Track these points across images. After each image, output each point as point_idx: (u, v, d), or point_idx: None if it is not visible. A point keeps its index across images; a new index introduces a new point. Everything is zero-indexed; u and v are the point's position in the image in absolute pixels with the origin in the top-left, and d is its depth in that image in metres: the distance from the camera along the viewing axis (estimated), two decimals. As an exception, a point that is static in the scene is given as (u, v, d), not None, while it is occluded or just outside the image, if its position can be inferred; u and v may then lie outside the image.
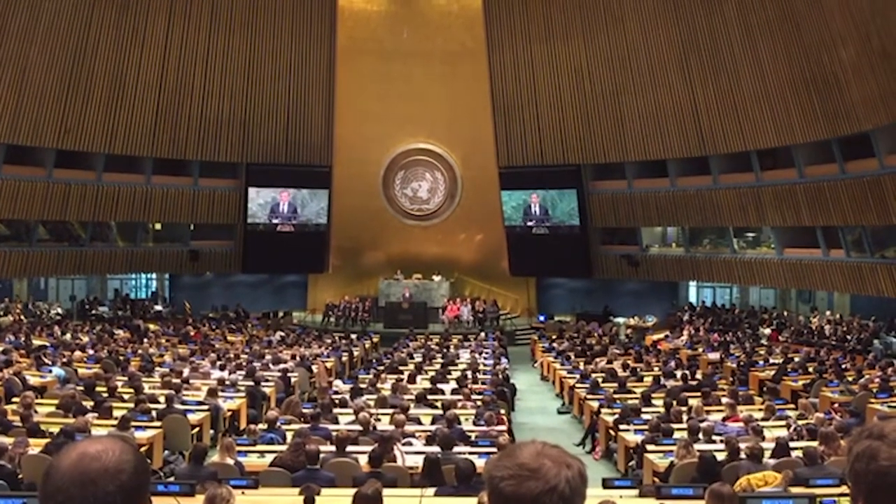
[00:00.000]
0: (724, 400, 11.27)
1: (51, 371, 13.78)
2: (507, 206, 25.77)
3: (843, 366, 15.40)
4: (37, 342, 17.91)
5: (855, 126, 17.76)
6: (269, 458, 7.95)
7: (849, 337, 19.87)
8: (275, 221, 25.72)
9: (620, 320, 24.42)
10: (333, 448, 7.96)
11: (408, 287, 25.69)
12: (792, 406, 11.85)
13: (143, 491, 1.37)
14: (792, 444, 8.18)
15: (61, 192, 22.34)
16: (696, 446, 8.13)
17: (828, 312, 22.31)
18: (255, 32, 24.00)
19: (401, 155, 26.71)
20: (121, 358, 15.87)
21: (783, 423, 9.87)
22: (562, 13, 23.62)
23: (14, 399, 10.80)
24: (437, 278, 26.30)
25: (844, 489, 6.49)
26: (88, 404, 10.40)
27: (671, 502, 6.37)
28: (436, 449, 7.93)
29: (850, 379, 13.72)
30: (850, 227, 19.24)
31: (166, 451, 9.72)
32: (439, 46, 25.35)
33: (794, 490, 6.38)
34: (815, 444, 7.95)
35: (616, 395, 12.35)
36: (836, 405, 11.55)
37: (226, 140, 24.61)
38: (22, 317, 22.78)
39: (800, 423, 9.66)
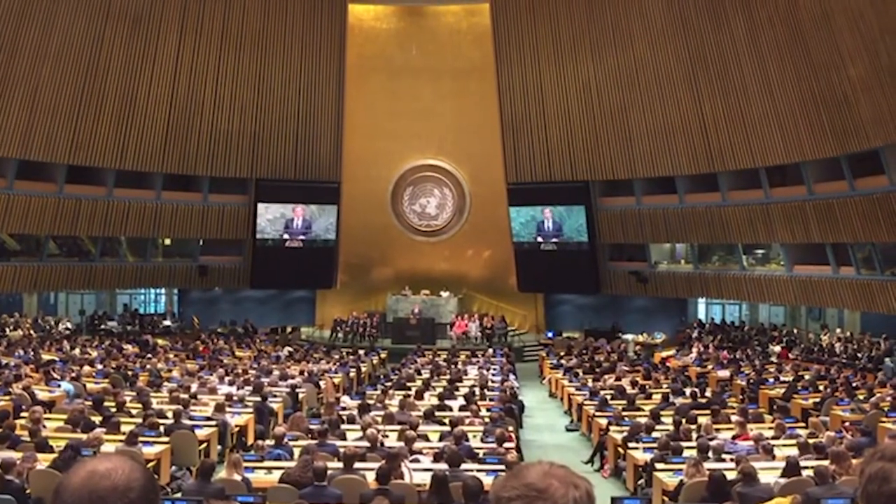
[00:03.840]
0: (733, 418, 11.19)
1: (59, 386, 13.81)
2: (515, 222, 25.78)
3: (854, 384, 15.27)
4: (46, 357, 17.98)
5: (864, 143, 17.71)
6: (277, 474, 7.94)
7: (859, 355, 19.72)
8: (287, 237, 25.78)
9: (629, 337, 24.32)
10: (341, 464, 7.93)
11: (417, 303, 25.69)
12: (802, 424, 11.76)
13: None
14: (803, 463, 8.11)
15: (72, 207, 22.49)
16: (706, 465, 8.07)
17: (838, 330, 22.16)
18: (265, 49, 24.18)
19: (409, 171, 26.79)
20: (129, 373, 15.90)
21: (794, 441, 9.79)
22: (570, 30, 23.72)
23: (23, 414, 10.82)
24: (445, 294, 26.29)
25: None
26: (97, 419, 10.43)
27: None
28: (443, 466, 7.90)
29: (861, 397, 13.62)
30: (860, 244, 19.15)
31: (174, 467, 9.71)
32: (448, 63, 25.49)
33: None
34: (826, 462, 7.88)
35: (625, 413, 12.29)
36: (847, 424, 11.45)
37: (235, 156, 24.75)
38: (31, 331, 22.87)
39: (810, 441, 9.56)
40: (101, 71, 21.87)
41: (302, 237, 25.90)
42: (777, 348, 21.63)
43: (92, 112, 22.03)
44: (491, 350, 21.96)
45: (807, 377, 16.36)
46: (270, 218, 25.72)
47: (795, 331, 24.07)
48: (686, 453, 9.00)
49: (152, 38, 22.56)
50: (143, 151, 23.28)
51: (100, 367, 16.76)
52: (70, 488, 1.34)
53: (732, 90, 20.78)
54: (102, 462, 1.39)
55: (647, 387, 15.33)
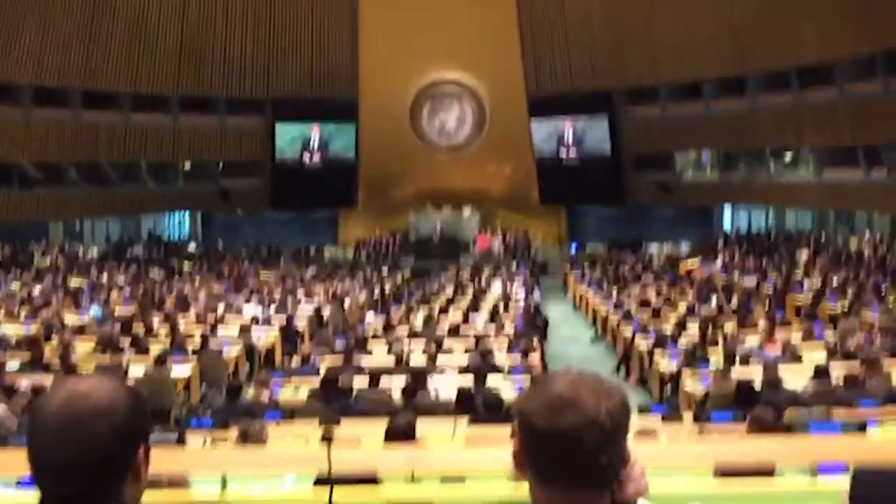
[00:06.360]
0: (760, 324, 11.07)
1: (89, 311, 14.00)
2: (536, 134, 25.28)
3: (883, 288, 15.03)
4: (74, 283, 18.21)
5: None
6: (304, 391, 8.00)
7: (889, 259, 19.36)
8: (306, 156, 25.57)
9: (654, 248, 24.09)
10: (367, 381, 7.97)
11: (439, 221, 25.52)
12: (832, 328, 11.62)
13: (137, 432, 1.25)
14: (832, 367, 8.00)
15: (90, 132, 22.45)
16: (733, 372, 8.00)
17: (867, 234, 21.75)
18: (274, -38, 23.42)
19: (428, 85, 26.20)
20: (156, 297, 16.08)
21: (822, 346, 9.68)
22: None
23: (52, 339, 10.99)
24: (467, 211, 26.09)
25: (888, 408, 6.35)
26: (126, 342, 10.56)
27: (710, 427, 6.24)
28: (469, 379, 7.90)
29: (891, 301, 13.41)
30: (893, 146, 18.55)
31: (203, 386, 9.86)
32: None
33: (839, 412, 6.23)
34: (856, 363, 7.77)
35: (650, 323, 12.21)
36: (876, 327, 11.30)
37: (250, 74, 24.29)
38: (59, 259, 23.15)
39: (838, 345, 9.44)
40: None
41: (324, 156, 25.68)
42: (804, 254, 21.29)
43: (103, 35, 21.71)
44: (514, 265, 21.92)
45: (835, 282, 16.13)
46: (290, 138, 25.48)
47: (823, 236, 23.66)
48: (712, 360, 8.94)
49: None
50: (157, 73, 22.99)
51: (127, 291, 16.96)
52: (48, 410, 1.21)
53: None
54: (83, 382, 1.25)
55: (672, 297, 15.22)
